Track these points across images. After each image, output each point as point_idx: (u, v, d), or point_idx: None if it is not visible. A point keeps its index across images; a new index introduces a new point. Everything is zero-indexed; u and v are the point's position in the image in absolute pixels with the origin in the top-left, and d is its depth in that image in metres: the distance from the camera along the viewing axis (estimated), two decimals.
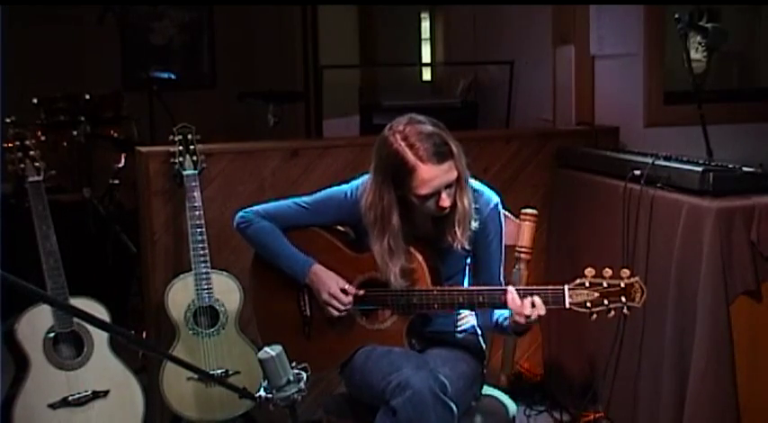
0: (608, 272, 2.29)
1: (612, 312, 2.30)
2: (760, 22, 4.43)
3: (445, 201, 2.33)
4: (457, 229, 2.40)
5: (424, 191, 2.31)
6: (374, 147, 2.39)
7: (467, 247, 2.43)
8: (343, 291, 2.48)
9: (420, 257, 2.44)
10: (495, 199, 2.51)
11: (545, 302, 2.31)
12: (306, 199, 2.58)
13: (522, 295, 2.32)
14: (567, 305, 2.30)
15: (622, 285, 2.29)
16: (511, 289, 2.33)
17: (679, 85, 3.86)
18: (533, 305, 2.30)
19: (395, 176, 2.33)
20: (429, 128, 2.32)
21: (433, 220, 2.45)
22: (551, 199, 3.69)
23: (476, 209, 2.44)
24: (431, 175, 2.29)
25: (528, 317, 2.30)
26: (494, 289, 2.41)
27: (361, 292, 2.49)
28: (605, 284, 2.29)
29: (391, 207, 2.37)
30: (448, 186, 2.33)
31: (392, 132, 2.33)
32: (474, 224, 2.43)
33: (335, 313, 2.49)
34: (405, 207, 2.40)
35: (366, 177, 2.46)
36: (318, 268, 2.52)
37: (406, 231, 2.42)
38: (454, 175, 2.33)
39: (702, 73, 3.87)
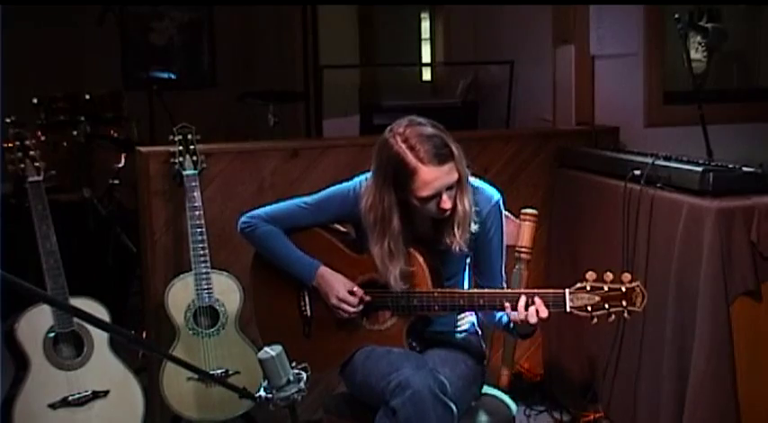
0: (609, 276, 2.29)
1: (613, 317, 2.29)
2: (760, 22, 4.43)
3: (446, 202, 2.33)
4: (456, 230, 2.39)
5: (425, 193, 2.30)
6: (374, 149, 2.38)
7: (465, 249, 2.43)
8: (351, 292, 2.49)
9: (420, 259, 2.43)
10: (497, 196, 2.51)
11: (546, 306, 2.31)
12: (308, 199, 2.58)
13: (524, 302, 2.32)
14: (568, 309, 2.29)
15: (623, 290, 2.28)
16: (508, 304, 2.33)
17: (679, 85, 3.86)
18: (536, 309, 2.29)
19: (396, 179, 2.33)
20: (429, 129, 2.32)
21: (432, 221, 2.44)
22: (551, 199, 3.69)
23: (476, 211, 2.43)
24: (432, 176, 2.29)
25: (528, 321, 2.30)
26: (495, 292, 2.41)
27: (368, 298, 2.49)
28: (606, 288, 2.28)
29: (392, 209, 2.37)
30: (449, 188, 2.33)
31: (392, 134, 2.33)
32: (474, 227, 2.43)
33: (345, 316, 2.49)
34: (405, 209, 2.40)
35: (368, 175, 2.46)
36: (325, 270, 2.52)
37: (405, 233, 2.42)
38: (455, 176, 2.33)
39: (702, 73, 3.87)
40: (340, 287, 2.49)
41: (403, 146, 2.29)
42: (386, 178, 2.34)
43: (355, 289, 2.48)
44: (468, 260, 2.58)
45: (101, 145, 4.73)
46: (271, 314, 2.65)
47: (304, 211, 2.57)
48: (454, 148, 2.33)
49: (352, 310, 2.48)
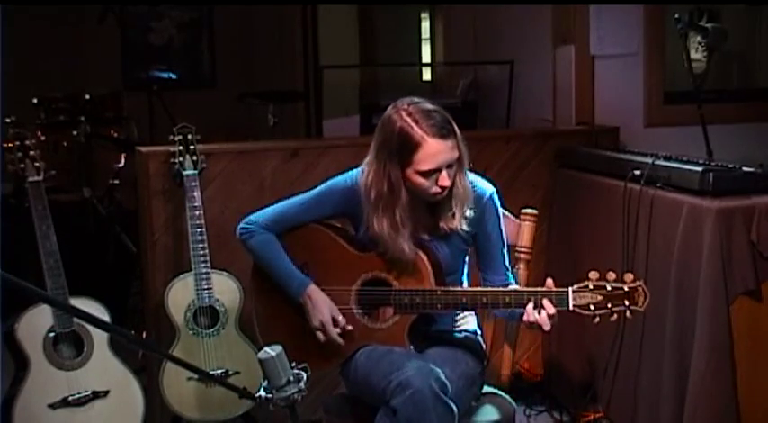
0: (611, 275, 2.30)
1: (615, 316, 2.30)
2: (760, 22, 4.43)
3: (445, 179, 2.35)
4: (456, 210, 2.42)
5: (427, 166, 2.33)
6: (377, 127, 2.42)
7: (465, 228, 2.44)
8: (334, 320, 2.49)
9: (424, 257, 2.44)
10: (491, 189, 2.53)
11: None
12: (306, 196, 2.58)
13: (531, 300, 2.33)
14: (571, 307, 2.31)
15: (626, 289, 2.29)
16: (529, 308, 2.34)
17: (679, 85, 3.86)
18: (546, 314, 2.32)
19: (399, 152, 2.35)
20: (432, 106, 2.38)
21: (429, 207, 2.46)
22: (551, 199, 3.69)
23: (472, 200, 2.45)
24: (436, 149, 2.31)
25: (542, 327, 2.33)
26: (498, 290, 2.42)
27: (350, 327, 2.50)
28: (609, 288, 2.29)
29: (399, 181, 2.38)
30: (449, 166, 2.35)
31: (396, 111, 2.37)
32: (469, 212, 2.44)
33: (323, 339, 2.50)
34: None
35: (363, 164, 2.47)
36: (313, 290, 2.52)
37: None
38: (456, 154, 2.36)
39: (702, 73, 3.87)
40: (325, 311, 2.49)
41: (408, 119, 2.33)
42: (390, 153, 2.37)
43: (339, 318, 2.49)
44: (466, 257, 2.59)
45: (101, 145, 4.73)
46: (271, 314, 2.65)
47: (303, 209, 2.57)
48: (455, 127, 2.37)
49: (328, 338, 2.48)
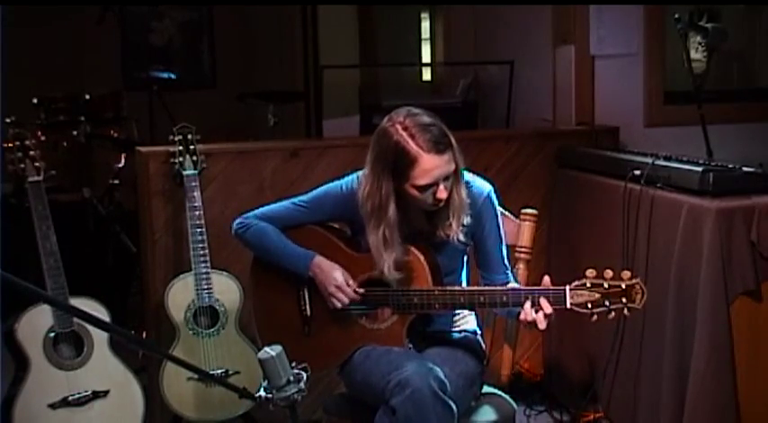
0: (609, 273, 2.29)
1: (613, 314, 2.30)
2: (760, 22, 4.43)
3: (442, 192, 2.34)
4: (452, 220, 2.41)
5: (423, 181, 2.31)
6: (372, 139, 2.40)
7: (462, 239, 2.44)
8: (347, 283, 2.48)
9: (421, 257, 2.44)
10: (488, 188, 2.52)
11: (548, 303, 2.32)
12: (302, 198, 2.58)
13: (528, 299, 2.33)
14: (568, 306, 2.30)
15: (623, 287, 2.29)
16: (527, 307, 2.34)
17: (679, 85, 3.86)
18: (543, 314, 2.32)
19: (395, 167, 2.33)
20: (428, 119, 2.35)
21: (426, 214, 2.45)
22: (551, 199, 3.69)
23: (468, 203, 2.45)
24: (432, 164, 2.30)
25: (537, 326, 2.32)
26: (495, 290, 2.42)
27: (362, 290, 2.49)
28: (606, 285, 2.29)
29: (389, 197, 2.37)
30: (446, 178, 2.34)
31: (392, 123, 2.34)
32: (467, 219, 2.44)
33: (339, 305, 2.48)
34: (400, 201, 2.40)
35: (361, 172, 2.46)
36: (320, 260, 2.51)
37: (401, 225, 2.42)
38: (452, 166, 2.35)
39: (702, 73, 3.87)
40: (337, 275, 2.48)
41: (404, 134, 2.31)
42: (385, 167, 2.35)
43: (350, 282, 2.48)
44: (465, 257, 2.59)
45: (101, 145, 4.73)
46: (270, 314, 2.65)
47: (299, 210, 2.57)
48: (452, 139, 2.35)
49: (346, 300, 2.46)
